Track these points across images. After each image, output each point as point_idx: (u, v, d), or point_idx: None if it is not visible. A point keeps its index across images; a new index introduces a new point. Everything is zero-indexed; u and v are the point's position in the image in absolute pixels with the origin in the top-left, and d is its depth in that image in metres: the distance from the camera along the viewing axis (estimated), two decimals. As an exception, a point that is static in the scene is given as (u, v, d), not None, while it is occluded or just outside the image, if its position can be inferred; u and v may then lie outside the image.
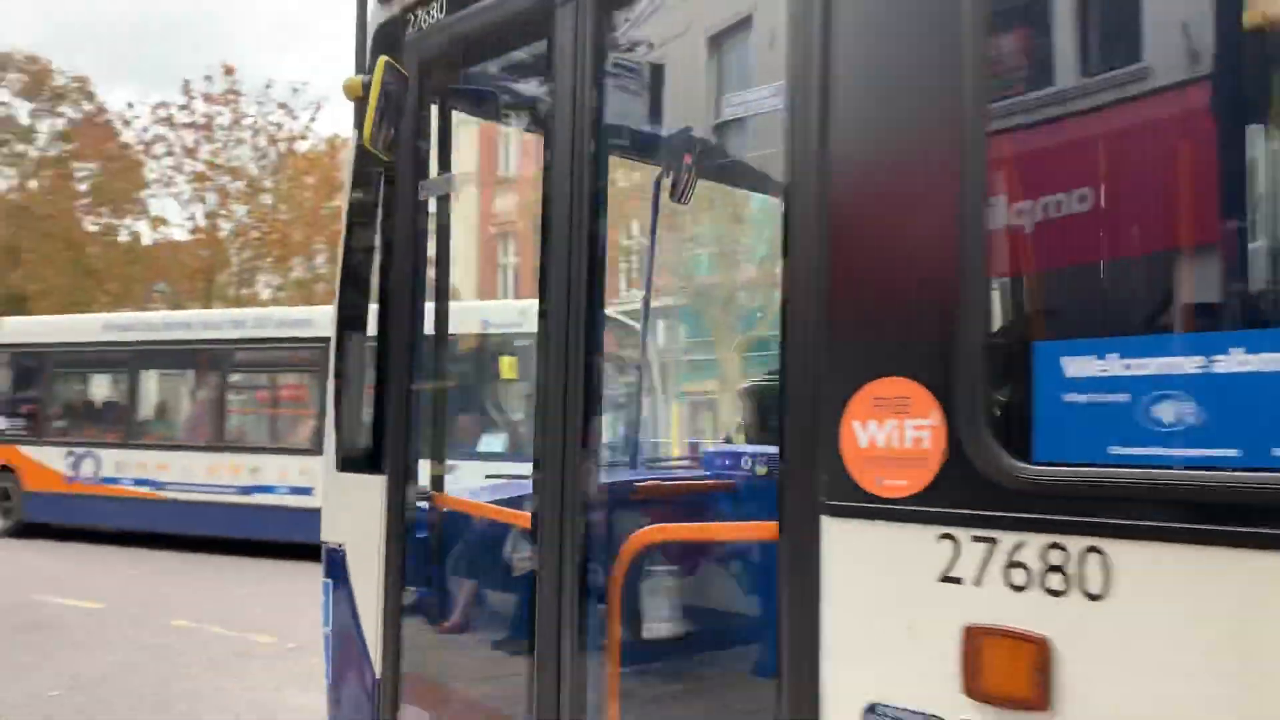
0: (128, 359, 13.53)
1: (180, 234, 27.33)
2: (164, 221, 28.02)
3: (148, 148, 26.86)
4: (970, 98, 1.54)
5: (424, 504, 2.90)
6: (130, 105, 42.06)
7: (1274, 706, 1.24)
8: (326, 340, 3.19)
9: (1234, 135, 1.87)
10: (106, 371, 14.50)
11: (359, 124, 2.61)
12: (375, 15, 2.80)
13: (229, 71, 25.56)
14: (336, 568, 2.95)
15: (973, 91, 1.54)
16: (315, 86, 42.61)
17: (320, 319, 11.05)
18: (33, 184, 31.54)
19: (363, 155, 2.80)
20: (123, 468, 13.13)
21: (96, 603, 8.84)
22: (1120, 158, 1.97)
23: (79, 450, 13.50)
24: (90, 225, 28.59)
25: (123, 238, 28.73)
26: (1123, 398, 1.39)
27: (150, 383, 14.34)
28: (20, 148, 31.96)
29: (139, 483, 12.96)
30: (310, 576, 3.41)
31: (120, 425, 13.67)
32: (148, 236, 28.81)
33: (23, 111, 31.81)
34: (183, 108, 25.55)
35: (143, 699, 5.85)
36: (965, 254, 1.53)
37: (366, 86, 2.62)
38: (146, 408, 14.14)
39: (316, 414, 11.75)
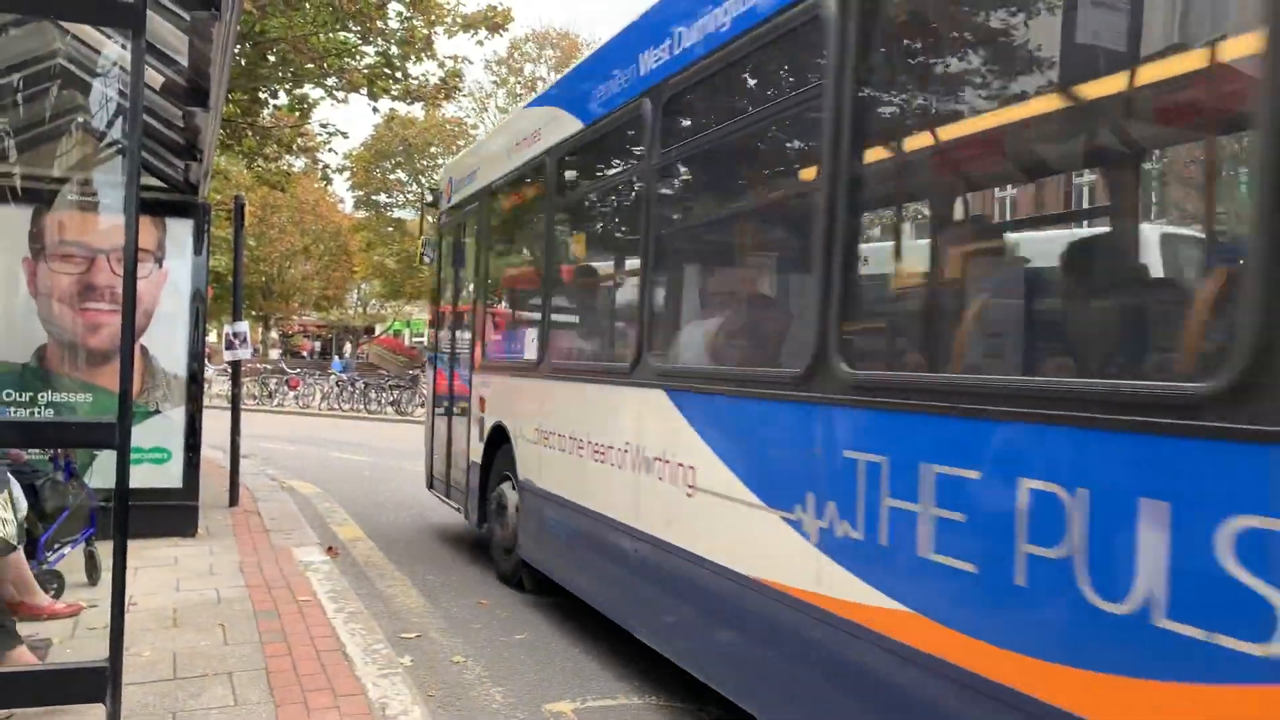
0: None
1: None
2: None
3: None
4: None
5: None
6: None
7: (553, 415, 6.54)
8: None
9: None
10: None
11: (421, 253, 8.34)
12: (435, 215, 8.48)
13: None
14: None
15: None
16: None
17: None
18: (565, 150, 39.69)
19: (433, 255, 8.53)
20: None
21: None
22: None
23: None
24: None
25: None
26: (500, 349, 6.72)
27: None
28: (555, 118, 40.33)
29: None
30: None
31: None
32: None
33: (555, 83, 39.86)
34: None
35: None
36: (480, 323, 6.88)
37: (424, 244, 8.33)
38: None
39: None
